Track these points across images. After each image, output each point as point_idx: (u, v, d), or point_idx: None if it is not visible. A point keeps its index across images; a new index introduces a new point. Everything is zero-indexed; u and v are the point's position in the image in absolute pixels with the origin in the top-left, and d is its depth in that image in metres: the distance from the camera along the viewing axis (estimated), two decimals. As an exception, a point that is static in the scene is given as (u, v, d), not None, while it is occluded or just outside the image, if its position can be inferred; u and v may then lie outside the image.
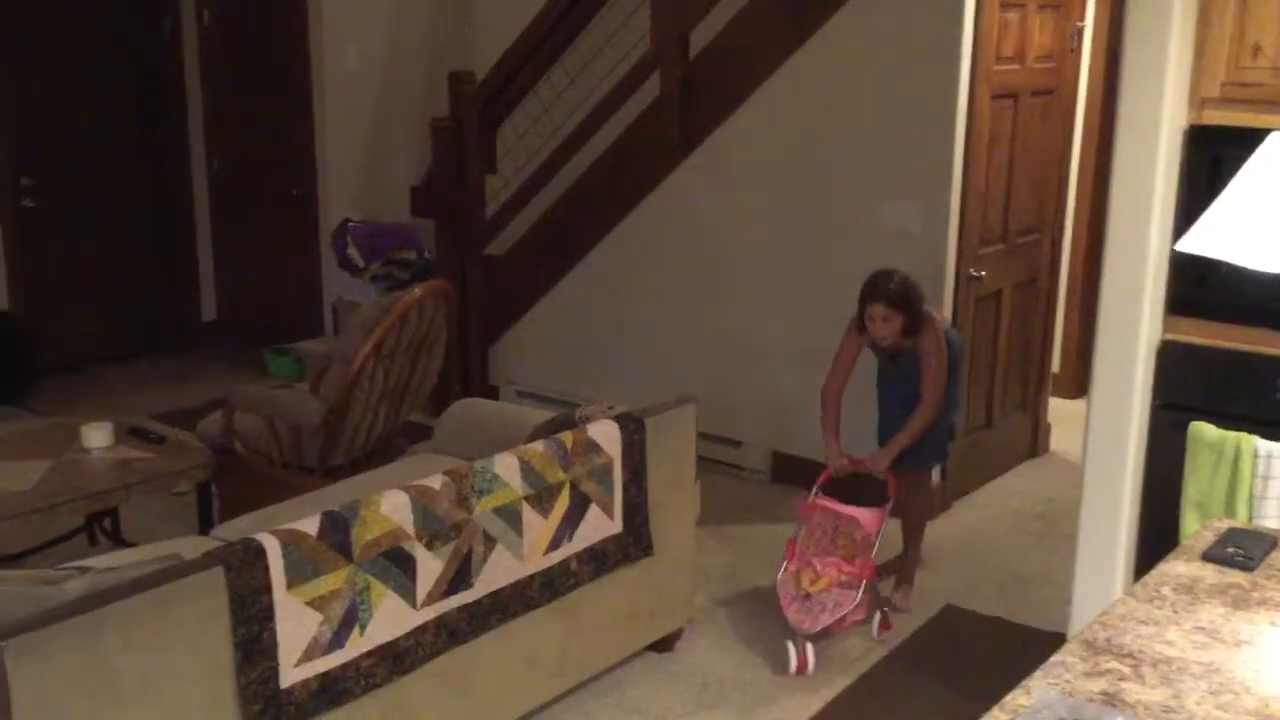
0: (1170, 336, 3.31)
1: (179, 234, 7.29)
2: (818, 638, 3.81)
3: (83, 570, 2.57)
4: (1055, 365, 6.00)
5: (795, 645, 3.78)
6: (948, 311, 4.83)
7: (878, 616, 3.98)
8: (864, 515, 3.92)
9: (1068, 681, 1.71)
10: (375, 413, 4.48)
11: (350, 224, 6.38)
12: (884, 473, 4.03)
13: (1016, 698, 1.65)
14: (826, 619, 3.77)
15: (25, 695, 2.30)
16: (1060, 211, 5.60)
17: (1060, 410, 5.92)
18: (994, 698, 1.68)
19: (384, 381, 4.44)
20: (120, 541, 4.33)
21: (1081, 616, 3.36)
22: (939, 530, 4.89)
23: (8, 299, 6.43)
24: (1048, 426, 5.74)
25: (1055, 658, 1.79)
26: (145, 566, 2.58)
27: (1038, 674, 1.73)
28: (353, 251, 6.30)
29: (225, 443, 4.46)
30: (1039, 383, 5.63)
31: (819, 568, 3.87)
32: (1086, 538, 3.41)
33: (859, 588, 3.81)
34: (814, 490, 4.05)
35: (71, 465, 4.02)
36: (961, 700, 3.52)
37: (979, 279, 4.92)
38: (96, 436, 4.12)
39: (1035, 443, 5.66)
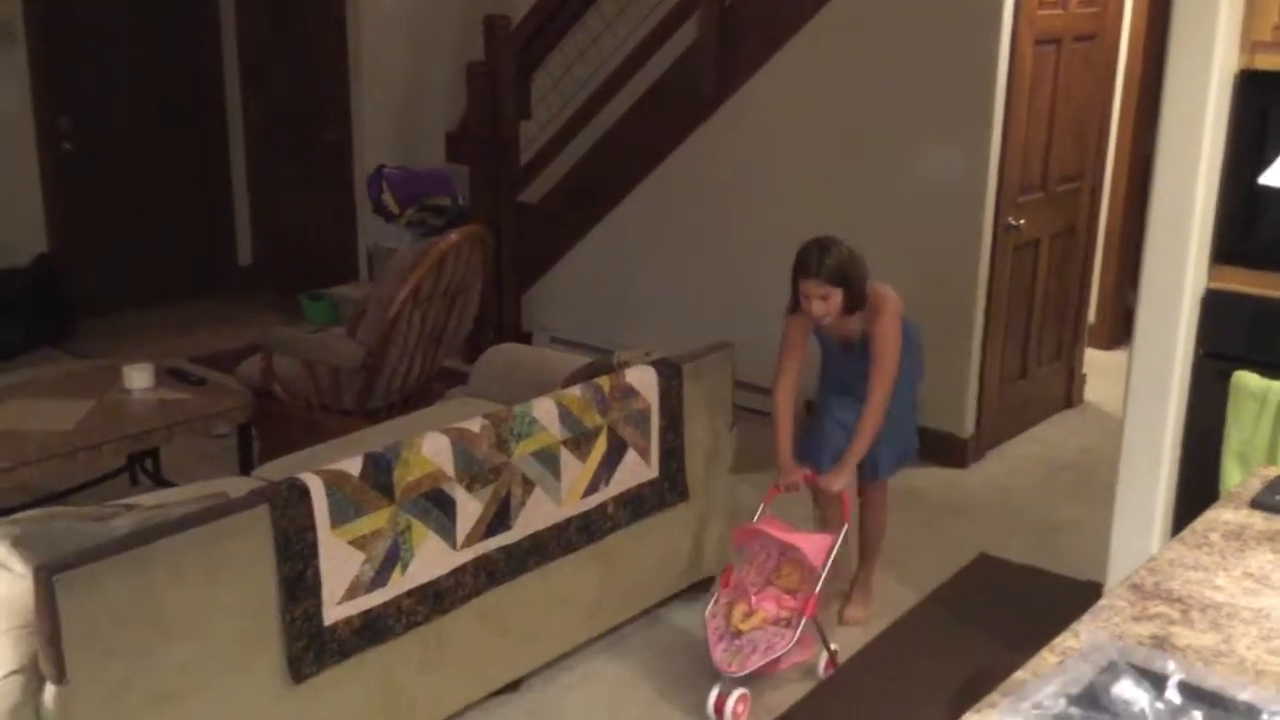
0: (1215, 285, 3.27)
1: (215, 179, 7.31)
2: (749, 680, 3.28)
3: (130, 507, 2.61)
4: (1091, 316, 5.95)
5: (721, 688, 3.25)
6: (984, 263, 4.80)
7: (824, 656, 3.48)
8: (808, 545, 3.39)
9: (1116, 625, 1.71)
10: (412, 357, 4.50)
11: (385, 170, 6.38)
12: (839, 492, 3.53)
13: (1065, 640, 1.65)
14: (756, 661, 3.24)
15: (74, 628, 2.34)
16: (1100, 160, 5.53)
17: (1095, 361, 5.88)
18: (1029, 644, 1.68)
19: (421, 326, 4.45)
20: (161, 482, 4.38)
21: (1119, 566, 3.35)
22: (971, 480, 4.90)
23: (46, 242, 6.47)
24: (1083, 377, 5.71)
25: (1103, 602, 1.79)
26: (191, 504, 2.62)
27: (1086, 618, 1.73)
28: (387, 197, 6.31)
29: (264, 385, 4.49)
30: (1075, 333, 5.59)
31: (754, 601, 3.37)
32: (1125, 487, 3.40)
33: (798, 626, 3.29)
34: (759, 510, 3.57)
35: (113, 406, 4.07)
36: (997, 646, 3.54)
37: (1017, 228, 4.88)
38: (138, 378, 4.16)
39: (1070, 393, 5.63)
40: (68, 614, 2.32)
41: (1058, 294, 5.37)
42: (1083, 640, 1.64)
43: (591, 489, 3.42)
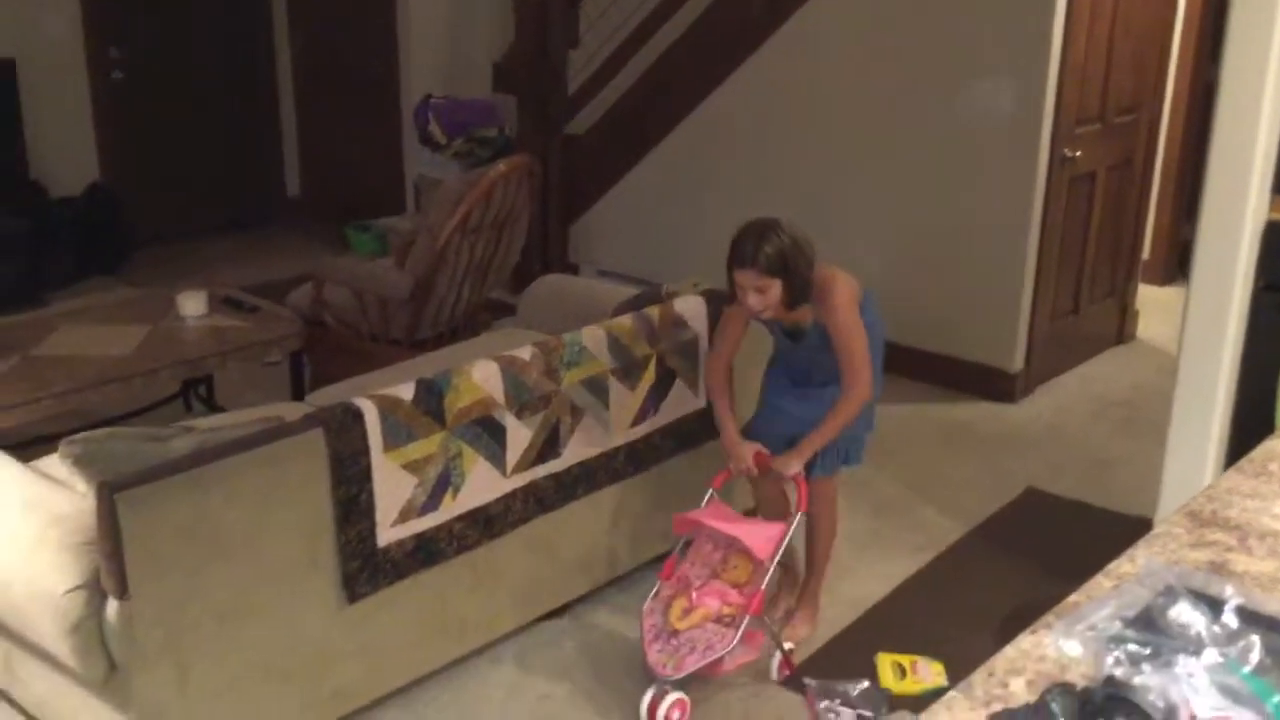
0: (1276, 217, 3.21)
1: (264, 110, 7.33)
2: (688, 683, 2.97)
3: (188, 429, 2.65)
4: (1145, 251, 5.86)
5: (655, 691, 2.95)
6: (1038, 196, 4.73)
7: (777, 656, 3.17)
8: (752, 536, 3.08)
9: (1173, 551, 1.70)
10: (460, 287, 4.52)
11: (432, 100, 6.36)
12: (795, 478, 3.14)
13: (1120, 565, 1.65)
14: (694, 663, 2.93)
15: (136, 545, 2.39)
16: (1160, 91, 5.41)
17: (1149, 297, 5.81)
18: (1077, 578, 1.67)
19: (469, 256, 4.46)
20: (215, 408, 4.44)
21: (1170, 500, 3.33)
22: (1020, 415, 4.87)
23: (98, 171, 6.53)
24: (1135, 313, 5.64)
25: (1159, 529, 1.78)
26: (248, 428, 2.65)
27: (1141, 544, 1.73)
28: (434, 128, 6.29)
29: (315, 314, 4.53)
30: (1129, 268, 5.51)
31: (695, 596, 3.05)
32: (1179, 420, 3.36)
33: (740, 625, 2.96)
34: (706, 496, 3.26)
35: (169, 332, 4.12)
36: (1044, 577, 3.54)
37: (1073, 160, 4.80)
38: (192, 305, 4.21)
39: (1122, 329, 5.56)
40: (129, 531, 2.37)
41: (1112, 228, 5.28)
42: (1139, 565, 1.64)
43: (640, 418, 3.43)
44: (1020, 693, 1.37)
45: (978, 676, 1.39)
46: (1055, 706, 1.30)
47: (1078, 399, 5.04)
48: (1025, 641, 1.46)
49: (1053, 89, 4.62)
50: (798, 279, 2.98)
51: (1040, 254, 4.83)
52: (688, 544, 3.20)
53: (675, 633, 3.01)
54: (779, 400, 3.29)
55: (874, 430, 3.35)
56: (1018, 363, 4.93)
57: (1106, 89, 4.96)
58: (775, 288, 2.97)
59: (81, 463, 2.52)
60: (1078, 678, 1.40)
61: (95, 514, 2.37)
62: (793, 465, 3.11)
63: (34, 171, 6.19)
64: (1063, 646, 1.43)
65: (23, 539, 2.54)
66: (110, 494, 2.33)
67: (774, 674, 3.18)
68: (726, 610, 3.02)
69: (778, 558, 3.06)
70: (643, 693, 2.97)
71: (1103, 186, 5.13)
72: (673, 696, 2.95)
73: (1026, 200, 4.72)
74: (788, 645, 3.21)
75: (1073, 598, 1.56)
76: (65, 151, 6.36)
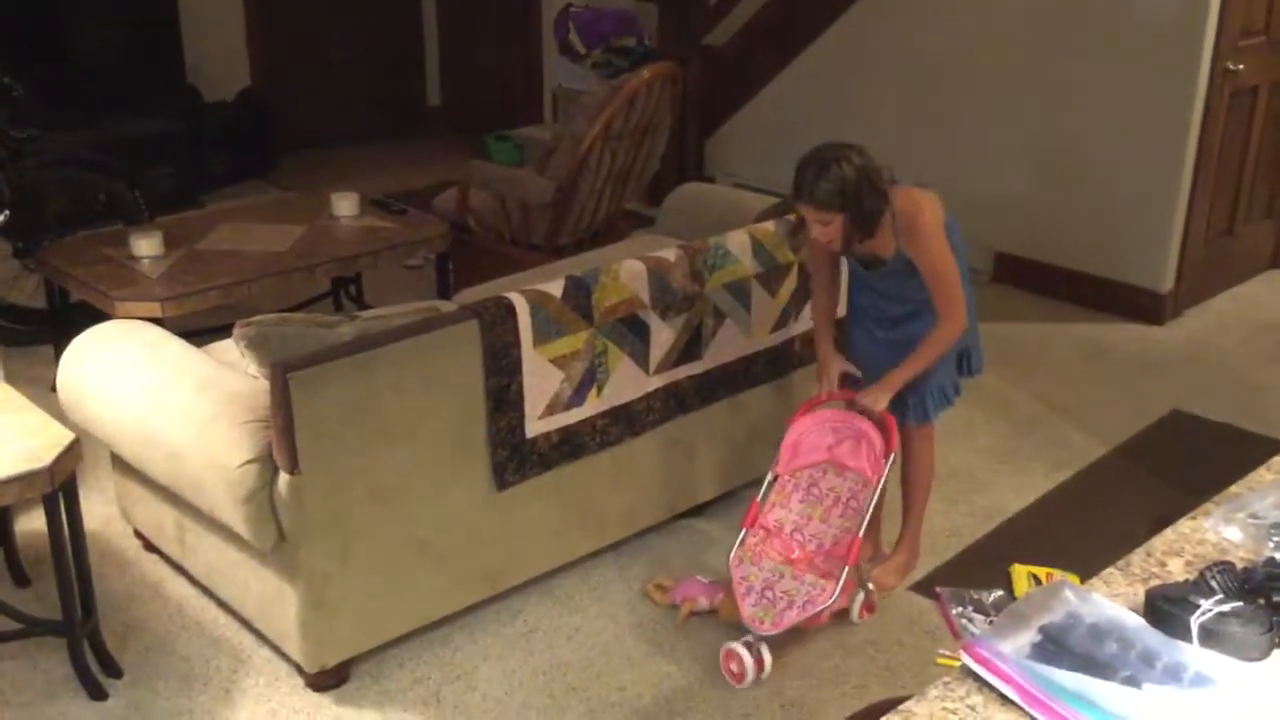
0: None
1: (407, 21, 7.43)
2: (779, 638, 2.86)
3: (354, 317, 2.76)
4: (1308, 173, 5.62)
5: (750, 653, 2.81)
6: (1197, 109, 4.56)
7: (860, 597, 3.04)
8: (874, 437, 2.93)
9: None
10: (601, 194, 4.57)
11: (572, 9, 6.37)
12: (882, 414, 2.96)
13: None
14: (794, 617, 2.81)
15: (306, 423, 2.52)
16: (1333, 2, 5.14)
17: (1309, 221, 5.58)
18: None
19: (610, 163, 4.50)
20: (364, 306, 4.59)
21: (1326, 423, 3.25)
22: (1168, 336, 4.75)
23: (249, 77, 6.72)
24: (1293, 236, 5.43)
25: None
26: (409, 316, 2.76)
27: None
28: (574, 38, 6.31)
29: (459, 219, 4.63)
30: (1289, 189, 5.30)
31: (791, 543, 2.93)
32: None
33: (839, 576, 2.82)
34: (795, 420, 3.08)
35: (324, 230, 4.27)
36: (1185, 496, 3.47)
37: (1236, 73, 4.61)
38: (345, 205, 4.34)
39: (1278, 252, 5.36)
40: (300, 409, 2.50)
41: (1273, 146, 5.08)
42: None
43: (780, 324, 3.46)
44: (1178, 572, 1.39)
45: (1136, 556, 1.40)
46: (1214, 582, 1.31)
47: (1228, 322, 4.89)
48: (1185, 525, 1.47)
49: (1218, -2, 4.43)
50: (864, 211, 2.78)
51: (1196, 171, 4.67)
52: (769, 488, 3.03)
53: (769, 585, 2.85)
54: (866, 338, 3.09)
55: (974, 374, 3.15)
56: (1168, 283, 4.81)
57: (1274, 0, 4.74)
58: (837, 222, 2.79)
59: (255, 344, 2.65)
60: (1236, 560, 1.40)
61: (269, 393, 2.50)
62: (880, 400, 2.94)
63: (190, 76, 6.40)
64: (1222, 531, 1.44)
65: (199, 416, 2.70)
66: (284, 373, 2.46)
67: (855, 617, 3.05)
68: (821, 560, 2.89)
69: (880, 486, 2.92)
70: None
71: (1265, 102, 4.92)
72: (763, 650, 2.83)
73: (1184, 114, 4.56)
74: (870, 586, 3.08)
75: (1233, 488, 1.55)
76: (219, 58, 6.56)
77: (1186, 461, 3.84)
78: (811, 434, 3.03)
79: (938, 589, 3.19)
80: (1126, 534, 3.31)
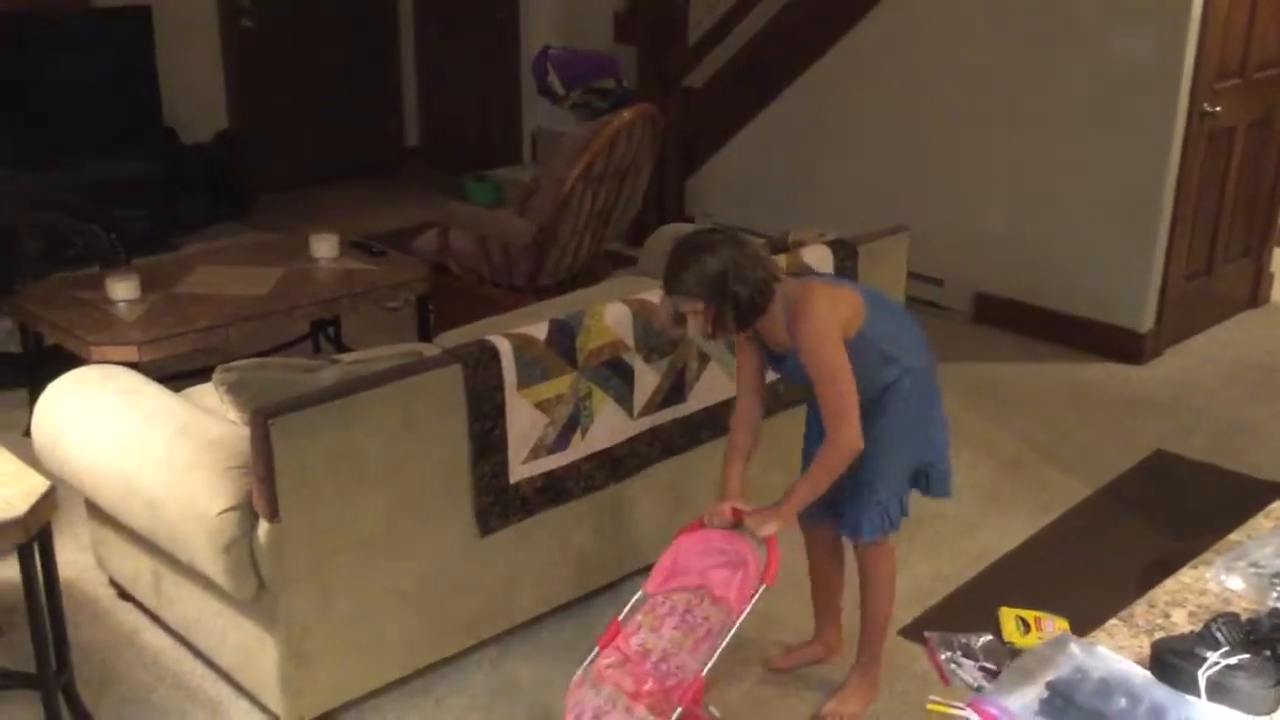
0: None
1: (385, 61, 7.44)
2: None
3: (335, 361, 2.73)
4: (1283, 212, 5.67)
5: None
6: (1175, 150, 4.59)
7: None
8: (752, 566, 2.54)
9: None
10: (582, 235, 4.55)
11: (550, 51, 6.40)
12: (766, 540, 2.57)
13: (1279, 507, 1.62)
14: None
15: (287, 470, 2.48)
16: (1305, 45, 5.20)
17: (1284, 260, 5.63)
18: (1209, 539, 1.64)
19: (591, 204, 4.50)
20: (343, 349, 4.55)
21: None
22: (1149, 376, 4.76)
23: (226, 119, 6.70)
24: (1270, 276, 5.47)
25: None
26: (391, 360, 2.72)
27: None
28: (553, 79, 6.33)
29: (439, 260, 4.61)
30: (1265, 229, 5.34)
31: (647, 674, 2.52)
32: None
33: (672, 717, 2.42)
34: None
35: (302, 273, 4.23)
36: (1172, 540, 3.48)
37: (1213, 115, 4.65)
38: (324, 247, 4.31)
39: (1256, 292, 5.41)
40: (281, 456, 2.45)
41: (1250, 187, 5.12)
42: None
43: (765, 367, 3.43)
44: (1182, 623, 1.37)
45: (1139, 606, 1.38)
46: (1220, 634, 1.29)
47: (1209, 362, 4.91)
48: (1186, 575, 1.45)
49: (1194, 41, 4.48)
50: (738, 301, 2.52)
51: (1175, 212, 4.70)
52: (636, 607, 2.65)
53: (598, 714, 2.48)
54: (811, 434, 2.82)
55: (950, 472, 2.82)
56: (1148, 323, 4.83)
57: (1249, 42, 4.79)
58: (697, 309, 2.54)
59: (235, 390, 2.61)
60: (1240, 611, 1.38)
61: (250, 439, 2.46)
62: (768, 526, 2.57)
63: (167, 118, 6.37)
64: (1225, 581, 1.42)
65: (177, 463, 2.65)
66: (265, 420, 2.41)
67: None
68: (666, 698, 2.45)
69: (744, 614, 2.49)
70: None
71: (1242, 143, 4.97)
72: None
73: (1163, 155, 4.60)
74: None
75: (1232, 536, 1.54)
76: (196, 99, 6.53)
77: (1171, 501, 3.83)
78: (692, 555, 2.66)
79: (926, 634, 3.16)
80: (1114, 576, 3.32)
